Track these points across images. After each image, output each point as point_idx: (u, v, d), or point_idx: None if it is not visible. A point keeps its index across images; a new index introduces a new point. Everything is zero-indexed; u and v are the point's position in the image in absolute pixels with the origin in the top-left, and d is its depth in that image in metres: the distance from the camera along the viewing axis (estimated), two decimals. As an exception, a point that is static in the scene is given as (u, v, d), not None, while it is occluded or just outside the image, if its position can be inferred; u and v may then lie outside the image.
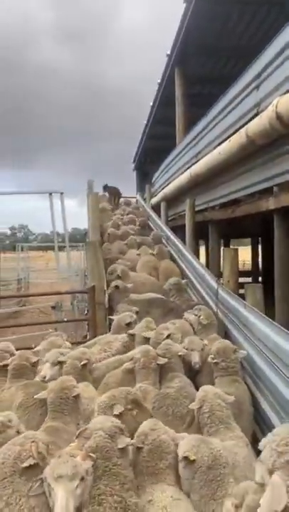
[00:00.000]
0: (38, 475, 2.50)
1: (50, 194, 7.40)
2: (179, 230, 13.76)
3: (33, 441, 2.71)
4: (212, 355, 4.93)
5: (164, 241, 11.75)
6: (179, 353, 4.75)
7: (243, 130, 7.35)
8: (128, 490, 2.56)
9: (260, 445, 2.17)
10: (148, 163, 25.15)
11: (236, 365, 4.79)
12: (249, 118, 7.48)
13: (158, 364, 4.40)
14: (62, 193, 7.29)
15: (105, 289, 7.83)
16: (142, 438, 2.98)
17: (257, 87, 7.27)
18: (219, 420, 3.42)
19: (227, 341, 5.34)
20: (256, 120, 6.73)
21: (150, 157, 24.05)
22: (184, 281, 8.24)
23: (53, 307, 8.43)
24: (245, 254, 21.82)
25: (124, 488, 2.53)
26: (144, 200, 19.34)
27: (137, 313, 6.29)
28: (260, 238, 17.89)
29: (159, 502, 2.58)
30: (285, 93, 6.10)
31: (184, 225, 13.04)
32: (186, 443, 2.93)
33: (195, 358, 4.93)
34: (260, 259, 18.60)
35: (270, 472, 1.97)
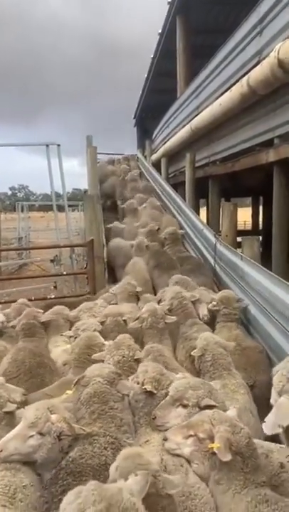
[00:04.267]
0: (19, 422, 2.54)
1: (47, 146, 7.25)
2: (179, 187, 13.65)
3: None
4: (214, 303, 5.03)
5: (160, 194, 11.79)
6: (192, 299, 4.89)
7: (244, 79, 7.14)
8: (125, 432, 2.62)
9: (273, 370, 2.24)
10: (149, 118, 24.53)
11: (238, 314, 4.94)
12: (250, 67, 7.25)
13: (166, 323, 4.34)
14: (59, 145, 7.15)
15: (103, 242, 7.87)
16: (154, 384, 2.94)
17: (260, 33, 7.00)
18: (222, 367, 3.51)
19: (230, 291, 5.44)
20: (257, 68, 6.53)
21: (151, 112, 23.44)
22: (181, 231, 8.22)
23: (52, 260, 8.49)
24: (246, 214, 21.72)
25: (120, 431, 2.59)
26: (145, 157, 19.05)
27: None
28: (261, 198, 17.77)
29: (156, 443, 2.58)
30: (287, 38, 5.88)
31: (184, 182, 12.93)
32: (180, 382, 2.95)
33: (204, 311, 4.98)
34: (260, 219, 18.55)
35: (279, 394, 2.08)
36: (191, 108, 11.83)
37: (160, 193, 13.12)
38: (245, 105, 7.71)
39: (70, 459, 2.29)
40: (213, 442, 2.19)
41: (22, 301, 5.46)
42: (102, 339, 3.92)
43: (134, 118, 27.10)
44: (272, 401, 2.25)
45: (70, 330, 4.62)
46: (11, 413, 2.67)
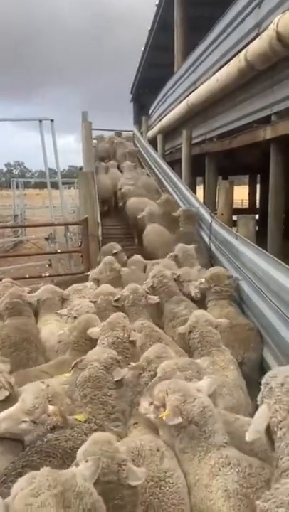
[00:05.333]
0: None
1: (40, 121, 7.08)
2: (175, 165, 13.49)
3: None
4: (202, 280, 5.02)
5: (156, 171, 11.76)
6: (173, 277, 4.89)
7: (242, 54, 6.98)
8: (115, 420, 2.61)
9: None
10: (146, 93, 24.08)
11: (230, 290, 4.92)
12: (249, 40, 7.07)
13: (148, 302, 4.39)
14: (52, 121, 6.96)
15: (98, 221, 7.81)
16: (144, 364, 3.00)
17: (259, 5, 6.81)
18: (210, 344, 3.53)
19: (221, 268, 5.43)
20: (256, 42, 6.37)
21: (148, 87, 22.98)
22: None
23: (46, 238, 8.43)
24: (244, 192, 21.57)
25: (109, 418, 2.58)
26: (141, 133, 18.77)
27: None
28: (258, 176, 17.60)
29: (142, 426, 2.62)
30: (287, 10, 5.71)
31: (181, 159, 12.78)
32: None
33: (195, 289, 4.96)
34: (257, 198, 18.44)
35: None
36: (188, 83, 11.61)
37: (156, 170, 12.98)
38: (243, 81, 7.56)
39: (46, 440, 2.31)
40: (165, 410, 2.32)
41: (5, 280, 5.33)
42: (99, 322, 3.88)
43: (131, 93, 26.62)
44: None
45: (62, 309, 4.61)
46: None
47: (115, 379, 2.76)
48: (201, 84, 9.78)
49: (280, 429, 1.92)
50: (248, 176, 19.77)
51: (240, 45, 7.59)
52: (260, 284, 4.65)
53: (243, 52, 6.88)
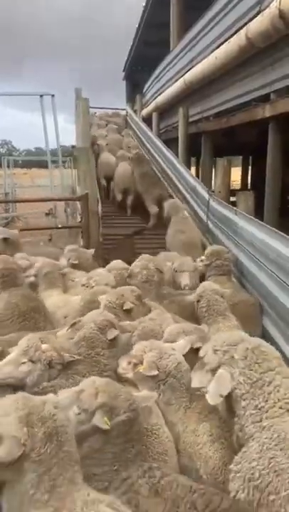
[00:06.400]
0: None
1: (41, 96, 7.07)
2: (171, 143, 13.51)
3: None
4: (203, 257, 5.17)
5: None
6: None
7: (242, 31, 7.01)
8: (107, 377, 2.72)
9: (201, 353, 2.46)
10: (139, 72, 23.83)
11: (230, 265, 5.11)
12: (250, 18, 7.09)
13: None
14: (53, 96, 6.98)
15: (98, 197, 7.89)
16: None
17: (260, -18, 6.82)
18: (217, 313, 3.72)
19: (220, 246, 5.60)
20: (258, 19, 6.40)
21: (142, 65, 22.74)
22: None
23: (47, 214, 8.50)
24: (235, 174, 21.66)
25: (102, 376, 2.68)
26: (135, 111, 18.66)
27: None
28: (250, 158, 17.69)
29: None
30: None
31: (177, 138, 12.80)
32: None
33: (185, 280, 4.86)
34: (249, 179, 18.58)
35: (213, 371, 2.28)
36: (185, 61, 11.57)
37: (151, 148, 13.00)
38: (242, 59, 7.61)
39: (41, 387, 2.49)
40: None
41: None
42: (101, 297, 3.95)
43: (124, 71, 26.30)
44: (196, 384, 2.42)
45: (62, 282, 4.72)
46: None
47: (108, 338, 2.92)
48: (199, 62, 9.78)
49: (244, 400, 2.12)
50: (239, 158, 19.88)
51: (240, 23, 7.61)
52: (260, 256, 4.83)
53: (244, 30, 6.91)
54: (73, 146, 20.74)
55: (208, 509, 1.84)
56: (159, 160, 11.91)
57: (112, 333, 2.96)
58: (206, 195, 7.81)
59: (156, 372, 2.54)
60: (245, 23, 7.14)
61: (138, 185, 9.33)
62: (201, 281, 4.85)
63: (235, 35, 7.41)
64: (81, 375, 2.68)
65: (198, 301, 3.86)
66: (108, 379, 2.38)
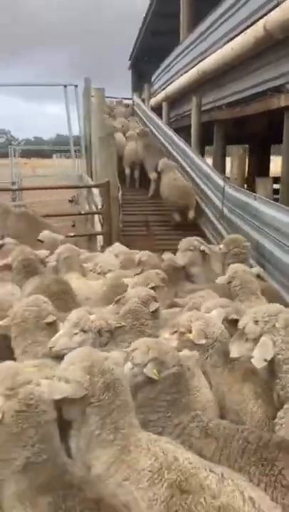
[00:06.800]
0: (56, 331, 2.99)
1: (65, 86, 7.29)
2: (181, 132, 13.74)
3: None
4: (221, 245, 5.42)
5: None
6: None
7: (260, 23, 7.22)
8: None
9: (240, 325, 2.76)
10: (145, 62, 23.93)
11: (247, 253, 5.30)
12: (267, 10, 7.31)
13: None
14: (76, 86, 7.23)
15: (118, 185, 8.19)
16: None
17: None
18: (249, 291, 4.01)
19: (237, 234, 5.86)
20: (277, 11, 6.62)
21: (148, 55, 22.83)
22: None
23: (70, 201, 8.78)
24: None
25: None
26: (142, 100, 18.78)
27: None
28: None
29: None
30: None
31: (187, 127, 13.00)
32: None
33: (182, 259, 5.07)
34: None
35: (255, 340, 2.60)
36: (199, 51, 11.74)
37: (161, 137, 13.20)
38: (259, 50, 7.83)
39: None
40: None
41: (9, 240, 5.30)
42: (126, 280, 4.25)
43: (129, 60, 26.35)
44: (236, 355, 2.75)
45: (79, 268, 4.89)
46: (51, 324, 3.07)
47: (150, 310, 3.27)
48: (213, 52, 9.99)
49: (286, 364, 2.47)
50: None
51: (257, 15, 7.80)
52: (282, 238, 5.13)
53: (262, 21, 7.12)
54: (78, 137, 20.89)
55: (261, 442, 2.12)
56: (169, 148, 12.15)
57: (153, 306, 3.31)
58: (221, 182, 8.09)
59: (204, 341, 2.84)
60: (263, 15, 7.34)
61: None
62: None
63: (252, 26, 7.61)
64: (128, 343, 2.97)
65: (229, 282, 4.13)
66: (157, 339, 2.73)
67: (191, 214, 8.79)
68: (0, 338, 3.11)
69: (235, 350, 2.74)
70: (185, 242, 5.16)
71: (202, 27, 11.47)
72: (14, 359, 2.83)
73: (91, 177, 12.60)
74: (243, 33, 8.11)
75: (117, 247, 5.91)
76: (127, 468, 1.92)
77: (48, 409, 1.87)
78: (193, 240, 5.14)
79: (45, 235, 5.70)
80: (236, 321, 2.96)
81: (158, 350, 2.39)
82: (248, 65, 8.63)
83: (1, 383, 1.87)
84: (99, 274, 4.90)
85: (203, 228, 9.05)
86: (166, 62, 16.52)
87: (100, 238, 8.35)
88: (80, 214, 8.52)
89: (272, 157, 15.00)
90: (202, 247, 4.89)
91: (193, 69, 11.56)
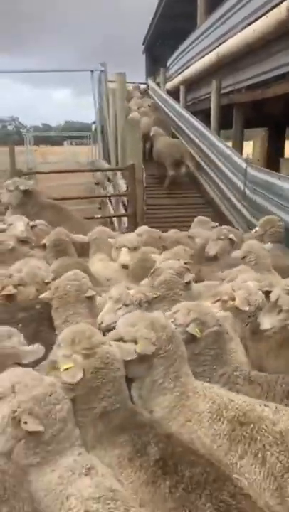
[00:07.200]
0: (94, 304, 3.23)
1: (92, 72, 7.48)
2: (198, 115, 13.87)
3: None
4: (258, 228, 5.59)
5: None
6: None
7: (283, 5, 7.34)
8: None
9: (272, 296, 2.98)
10: (160, 45, 23.86)
11: (282, 232, 5.45)
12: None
13: None
14: (102, 71, 7.37)
15: (142, 167, 8.44)
16: None
17: None
18: (264, 267, 4.17)
19: (272, 216, 6.03)
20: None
21: (162, 39, 22.75)
22: None
23: (96, 183, 9.04)
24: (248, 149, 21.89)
25: None
26: (158, 84, 18.84)
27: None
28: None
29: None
30: None
31: (204, 110, 13.15)
32: None
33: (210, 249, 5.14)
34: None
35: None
36: (218, 34, 11.80)
37: (177, 121, 13.34)
38: (280, 32, 7.94)
39: None
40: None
41: (41, 221, 5.40)
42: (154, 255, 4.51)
43: (143, 44, 26.27)
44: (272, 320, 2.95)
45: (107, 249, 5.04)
46: (91, 298, 3.24)
47: (185, 281, 3.48)
48: (233, 35, 10.08)
49: None
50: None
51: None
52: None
53: (285, 3, 7.25)
54: (94, 122, 21.03)
55: None
56: (187, 131, 12.31)
57: (188, 277, 3.53)
58: (243, 164, 8.29)
59: (247, 308, 3.04)
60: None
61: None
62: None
63: (275, 9, 7.71)
64: (163, 311, 3.16)
65: (244, 257, 4.28)
66: (197, 302, 2.97)
67: (190, 164, 9.99)
68: (43, 305, 3.31)
69: (266, 322, 2.94)
70: (216, 231, 5.31)
71: (221, 10, 11.52)
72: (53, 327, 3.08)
73: (109, 162, 12.90)
74: (264, 16, 8.20)
75: (143, 228, 6.07)
76: (189, 411, 2.16)
77: (120, 367, 2.14)
78: (223, 229, 5.31)
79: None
80: (268, 293, 3.16)
81: (198, 311, 2.62)
82: (270, 48, 8.74)
83: (78, 344, 2.08)
84: (117, 248, 5.06)
85: (223, 209, 9.27)
86: (184, 45, 16.54)
87: (124, 220, 8.65)
88: (106, 196, 8.80)
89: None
90: (230, 235, 5.10)
91: (213, 52, 11.65)
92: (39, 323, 3.16)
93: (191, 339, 2.50)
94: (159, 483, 1.72)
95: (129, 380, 2.26)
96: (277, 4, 7.74)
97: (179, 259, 4.07)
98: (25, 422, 1.68)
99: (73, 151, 35.22)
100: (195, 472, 1.72)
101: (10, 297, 3.35)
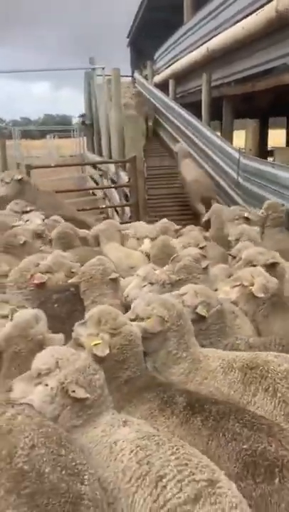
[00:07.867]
0: (118, 285, 3.59)
1: (94, 69, 7.84)
2: (187, 108, 14.29)
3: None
4: (262, 210, 5.94)
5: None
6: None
7: (272, 4, 7.77)
8: None
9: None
10: (144, 38, 24.00)
11: (283, 217, 5.85)
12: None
13: None
14: (103, 68, 7.75)
15: (143, 159, 8.93)
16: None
17: None
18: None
19: (274, 201, 6.41)
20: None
21: (148, 32, 22.89)
22: None
23: (101, 175, 9.46)
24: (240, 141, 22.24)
25: None
26: (145, 77, 19.07)
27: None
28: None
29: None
30: None
31: (194, 103, 13.53)
32: None
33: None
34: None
35: None
36: (208, 29, 12.18)
37: (167, 114, 13.68)
38: (270, 30, 8.39)
39: None
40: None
41: (55, 217, 5.66)
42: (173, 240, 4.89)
43: (128, 37, 26.43)
44: None
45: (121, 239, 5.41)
46: (114, 280, 3.61)
47: (202, 267, 3.89)
48: (223, 31, 10.51)
49: None
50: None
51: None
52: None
53: (274, 2, 7.67)
54: (82, 115, 21.23)
55: None
56: (177, 123, 12.70)
57: (205, 263, 3.95)
58: (236, 153, 8.79)
59: (263, 295, 3.26)
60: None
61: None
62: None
63: (265, 7, 8.14)
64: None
65: (237, 239, 4.75)
66: (202, 285, 3.31)
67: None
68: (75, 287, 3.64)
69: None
70: (230, 212, 5.71)
71: (211, 6, 11.91)
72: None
73: (100, 155, 13.17)
74: (254, 14, 8.65)
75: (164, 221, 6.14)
76: (203, 371, 2.48)
77: (140, 343, 2.47)
78: (237, 209, 5.76)
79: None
80: (272, 264, 3.70)
81: (204, 294, 3.04)
82: (259, 43, 9.19)
83: (105, 324, 2.41)
84: (138, 239, 5.48)
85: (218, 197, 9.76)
86: (173, 39, 16.83)
87: (127, 210, 9.14)
88: (110, 187, 9.25)
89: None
90: (246, 214, 5.54)
91: (202, 46, 12.06)
92: (73, 303, 3.44)
93: (198, 318, 2.88)
94: (192, 421, 2.02)
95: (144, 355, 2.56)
96: (266, 3, 8.18)
97: (198, 244, 4.53)
98: (73, 391, 1.92)
99: (56, 145, 35.10)
100: (219, 407, 2.05)
101: (41, 284, 3.58)
